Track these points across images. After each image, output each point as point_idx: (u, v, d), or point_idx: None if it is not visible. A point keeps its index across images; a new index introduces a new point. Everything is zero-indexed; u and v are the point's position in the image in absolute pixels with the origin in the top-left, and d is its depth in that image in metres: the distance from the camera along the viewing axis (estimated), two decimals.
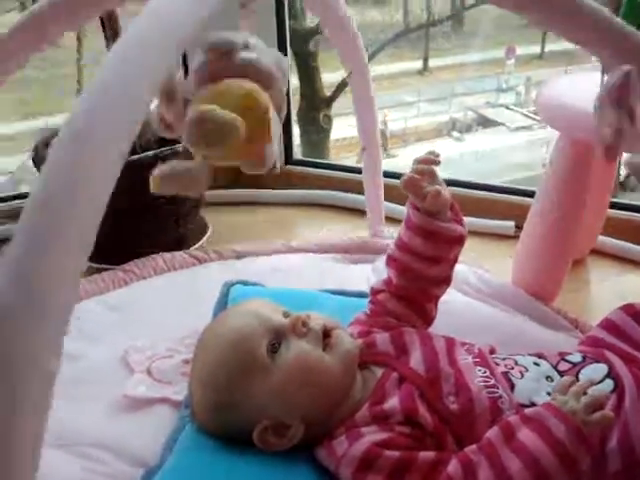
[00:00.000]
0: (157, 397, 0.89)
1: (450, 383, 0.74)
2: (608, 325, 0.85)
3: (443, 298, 0.89)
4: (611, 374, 0.76)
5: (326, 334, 0.75)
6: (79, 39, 1.98)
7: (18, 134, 3.06)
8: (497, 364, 0.78)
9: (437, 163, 0.83)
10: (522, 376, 0.76)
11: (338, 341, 0.75)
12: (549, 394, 0.73)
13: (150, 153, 1.17)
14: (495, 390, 0.73)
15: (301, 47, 2.74)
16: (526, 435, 0.65)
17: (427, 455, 0.68)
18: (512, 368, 0.77)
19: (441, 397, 0.73)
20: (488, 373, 0.76)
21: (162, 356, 0.96)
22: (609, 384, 0.75)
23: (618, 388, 0.74)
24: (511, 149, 4.07)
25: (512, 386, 0.75)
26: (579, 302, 1.25)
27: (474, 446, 0.68)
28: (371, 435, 0.69)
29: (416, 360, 0.77)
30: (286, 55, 1.62)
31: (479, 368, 0.76)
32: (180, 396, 0.87)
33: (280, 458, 0.72)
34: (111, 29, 1.25)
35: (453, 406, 0.72)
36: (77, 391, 0.88)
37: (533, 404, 0.73)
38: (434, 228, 0.82)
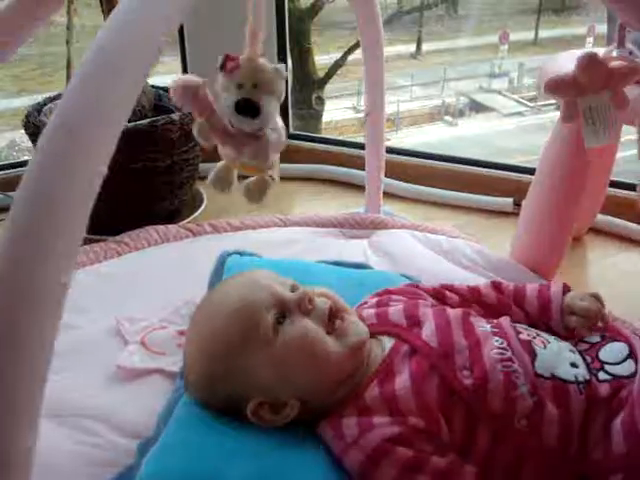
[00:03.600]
0: (151, 368, 0.87)
1: (464, 356, 0.71)
2: None
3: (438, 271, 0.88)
4: (632, 355, 0.72)
5: (333, 315, 0.72)
6: (69, 16, 1.94)
7: (9, 110, 3.01)
8: (520, 332, 0.75)
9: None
10: (545, 347, 0.73)
11: (348, 328, 0.72)
12: (572, 365, 0.71)
13: (145, 121, 1.13)
14: (510, 364, 0.70)
15: (295, 27, 2.70)
16: None
17: (439, 462, 0.65)
18: (534, 338, 0.74)
19: (454, 371, 0.70)
20: (505, 344, 0.72)
21: (156, 327, 0.94)
22: (631, 365, 0.71)
23: None
24: (502, 135, 4.05)
25: (534, 356, 0.71)
26: (577, 280, 1.23)
27: None
28: (383, 428, 0.66)
29: (428, 331, 0.74)
30: (284, 35, 1.60)
31: (496, 339, 0.73)
32: (175, 367, 0.85)
33: (276, 433, 0.69)
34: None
35: (467, 381, 0.69)
36: (69, 362, 0.86)
37: (554, 376, 0.70)
38: None
